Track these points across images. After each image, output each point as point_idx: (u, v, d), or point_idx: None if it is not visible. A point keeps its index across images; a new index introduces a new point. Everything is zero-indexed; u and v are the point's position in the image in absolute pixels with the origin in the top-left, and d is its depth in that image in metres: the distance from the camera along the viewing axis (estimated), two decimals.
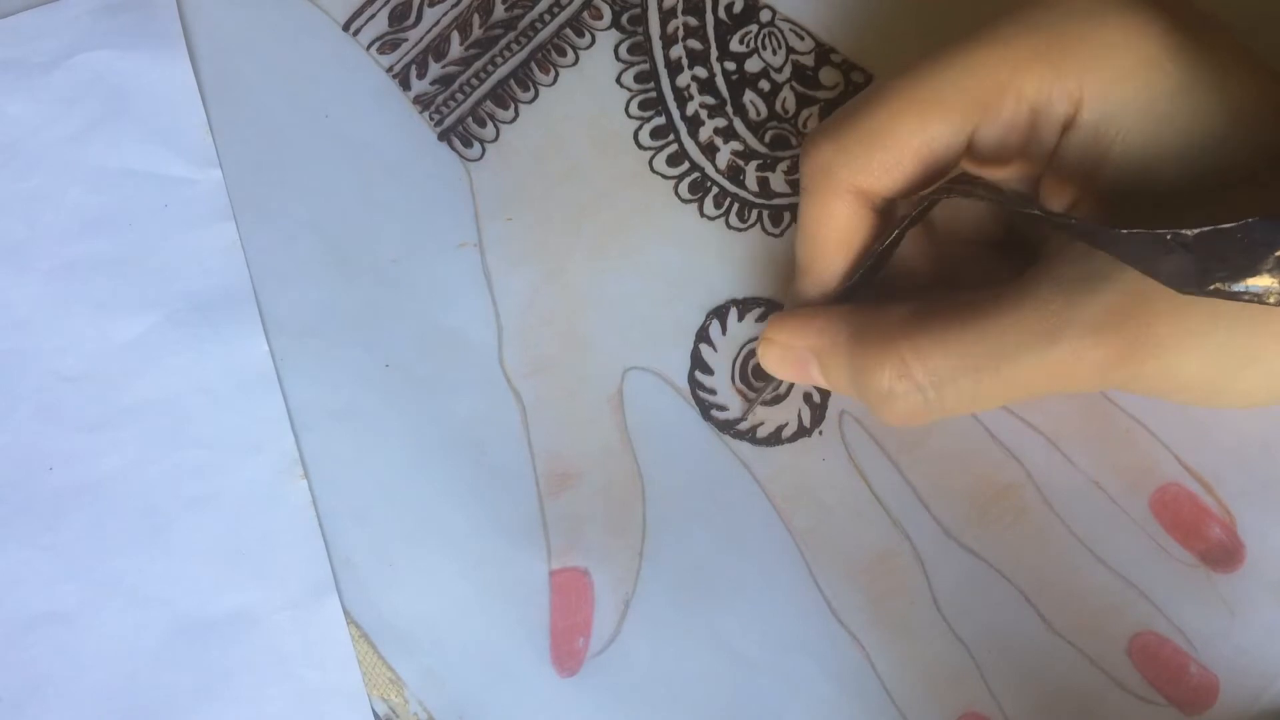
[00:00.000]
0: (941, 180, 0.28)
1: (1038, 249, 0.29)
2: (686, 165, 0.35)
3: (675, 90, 0.35)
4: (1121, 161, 0.27)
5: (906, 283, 0.31)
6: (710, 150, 0.35)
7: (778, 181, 0.35)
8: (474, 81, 0.36)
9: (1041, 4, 0.27)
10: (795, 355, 0.31)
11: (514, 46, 0.36)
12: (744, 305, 0.34)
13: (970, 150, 0.28)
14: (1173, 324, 0.26)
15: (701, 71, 0.35)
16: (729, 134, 0.35)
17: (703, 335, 0.34)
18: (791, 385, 0.34)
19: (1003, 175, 0.29)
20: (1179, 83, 0.26)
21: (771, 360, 0.32)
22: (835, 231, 0.29)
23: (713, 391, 0.34)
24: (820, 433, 0.34)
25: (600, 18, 0.36)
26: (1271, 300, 0.23)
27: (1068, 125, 0.27)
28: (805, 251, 0.31)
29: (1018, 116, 0.27)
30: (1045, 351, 0.26)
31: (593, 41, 0.36)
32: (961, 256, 0.32)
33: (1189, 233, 0.22)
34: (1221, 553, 0.32)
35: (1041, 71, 0.27)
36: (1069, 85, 0.26)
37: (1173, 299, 0.25)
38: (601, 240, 0.35)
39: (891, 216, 0.30)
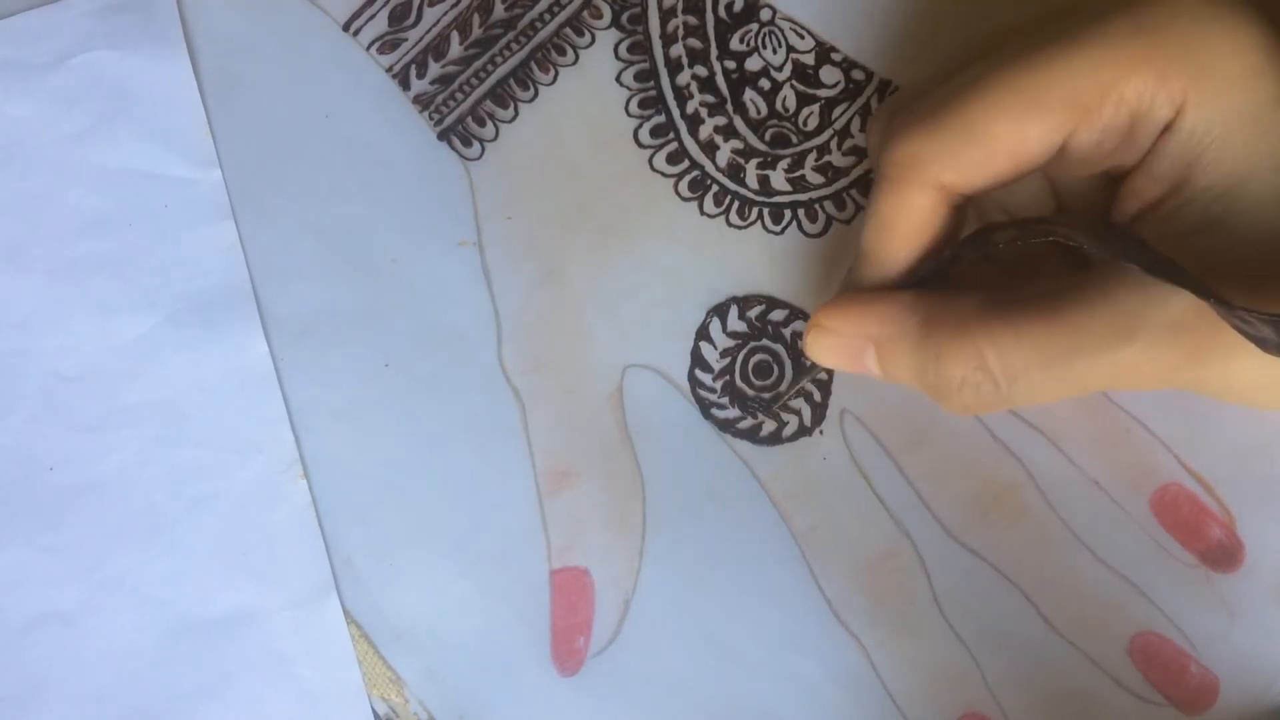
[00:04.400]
0: (1048, 221, 0.28)
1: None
2: (686, 163, 0.35)
3: (675, 89, 0.35)
4: (1214, 169, 0.26)
5: (963, 270, 0.31)
6: (710, 148, 0.35)
7: (778, 179, 0.35)
8: (474, 81, 0.36)
9: (1143, 4, 0.26)
10: (851, 343, 0.30)
11: (514, 46, 0.36)
12: (744, 303, 0.34)
13: (1063, 151, 0.28)
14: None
15: (701, 70, 0.35)
16: (729, 132, 0.35)
17: (703, 333, 0.34)
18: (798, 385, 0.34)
19: (1088, 172, 0.29)
20: None
21: (822, 348, 0.30)
22: (911, 223, 0.29)
23: (713, 390, 0.34)
24: (821, 432, 0.34)
25: (600, 17, 0.36)
26: None
27: (1166, 129, 0.26)
28: (874, 239, 0.30)
29: (1117, 120, 0.27)
30: (1120, 350, 0.27)
31: (592, 40, 0.36)
32: (1019, 249, 0.32)
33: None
34: (1221, 553, 0.32)
35: (1146, 76, 0.26)
36: (1173, 90, 0.26)
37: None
38: (601, 238, 0.35)
39: (966, 212, 0.30)
